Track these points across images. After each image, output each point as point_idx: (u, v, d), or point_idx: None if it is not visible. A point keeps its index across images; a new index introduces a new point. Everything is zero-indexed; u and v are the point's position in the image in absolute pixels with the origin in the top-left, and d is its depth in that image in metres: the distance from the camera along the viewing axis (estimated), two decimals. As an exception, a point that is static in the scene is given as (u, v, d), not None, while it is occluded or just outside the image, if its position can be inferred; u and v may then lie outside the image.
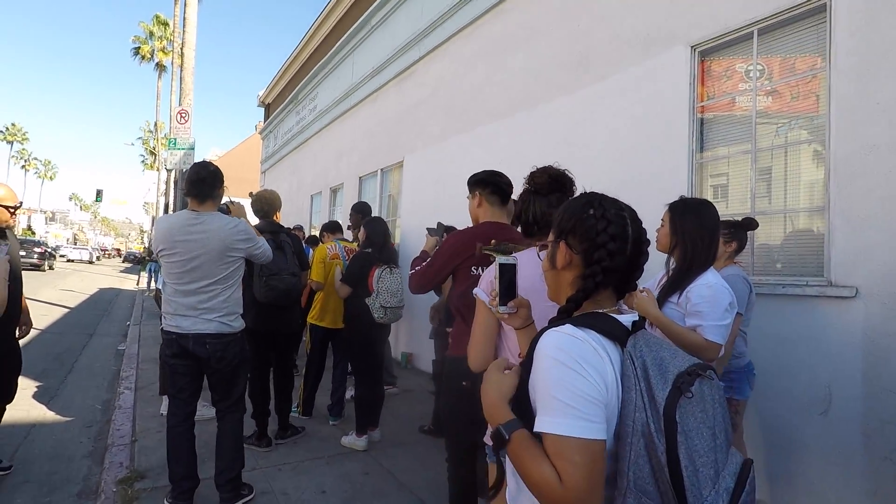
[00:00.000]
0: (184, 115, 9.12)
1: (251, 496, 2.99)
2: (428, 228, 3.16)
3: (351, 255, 4.25)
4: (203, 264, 2.67)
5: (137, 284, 17.96)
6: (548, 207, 1.73)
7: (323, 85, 10.48)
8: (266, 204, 3.89)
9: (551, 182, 1.75)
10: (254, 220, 3.87)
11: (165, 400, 4.38)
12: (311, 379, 4.34)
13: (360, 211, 5.19)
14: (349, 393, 4.72)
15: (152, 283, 14.06)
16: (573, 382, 0.90)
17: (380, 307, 3.77)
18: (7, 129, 60.53)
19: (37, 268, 23.02)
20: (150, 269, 14.77)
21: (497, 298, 1.33)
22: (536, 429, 0.92)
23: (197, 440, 3.74)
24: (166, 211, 18.01)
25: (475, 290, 1.66)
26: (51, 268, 27.09)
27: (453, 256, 2.27)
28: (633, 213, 1.09)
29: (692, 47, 3.46)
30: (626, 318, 1.03)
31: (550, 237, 1.16)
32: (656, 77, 3.66)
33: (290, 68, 13.13)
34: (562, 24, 4.64)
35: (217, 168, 2.81)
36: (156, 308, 10.93)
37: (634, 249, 1.05)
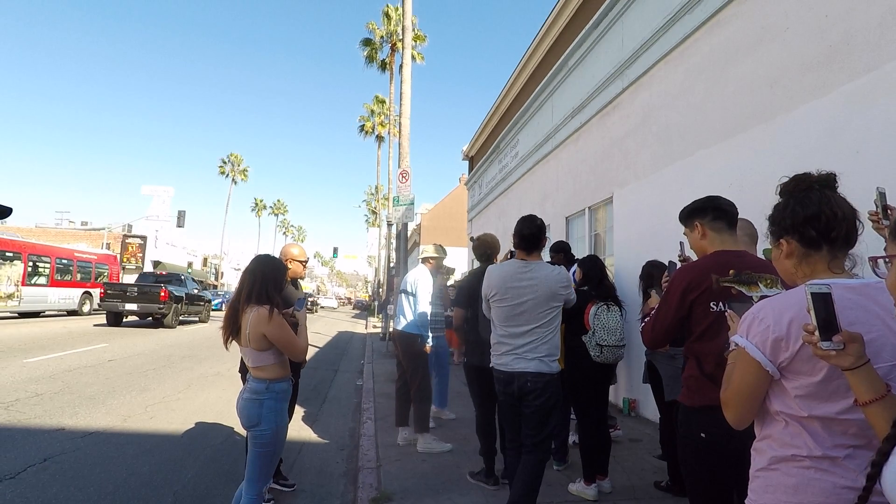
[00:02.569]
0: (405, 175, 10.35)
1: None
2: (654, 289, 2.92)
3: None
4: (530, 309, 2.92)
5: (366, 328, 20.50)
6: (852, 209, 1.33)
7: (523, 132, 10.89)
8: (488, 247, 4.11)
9: (832, 181, 1.37)
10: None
11: (401, 431, 4.79)
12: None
13: (562, 250, 5.09)
14: (572, 437, 4.54)
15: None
16: None
17: (595, 345, 3.61)
18: (275, 204, 76.98)
19: (310, 312, 30.47)
20: (385, 314, 16.31)
21: (816, 333, 1.07)
22: None
23: (428, 470, 3.97)
24: (388, 262, 20.43)
25: (734, 338, 1.36)
26: (315, 312, 36.41)
27: (686, 292, 2.01)
28: None
29: None
30: None
31: None
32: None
33: (491, 121, 14.02)
34: (800, 18, 4.02)
35: (542, 222, 3.11)
36: (384, 349, 12.30)
37: None
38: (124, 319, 16.44)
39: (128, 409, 5.78)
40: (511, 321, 2.94)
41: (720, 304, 1.96)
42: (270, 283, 2.57)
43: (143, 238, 39.94)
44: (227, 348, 2.69)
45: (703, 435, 1.92)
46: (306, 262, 3.74)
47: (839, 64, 3.67)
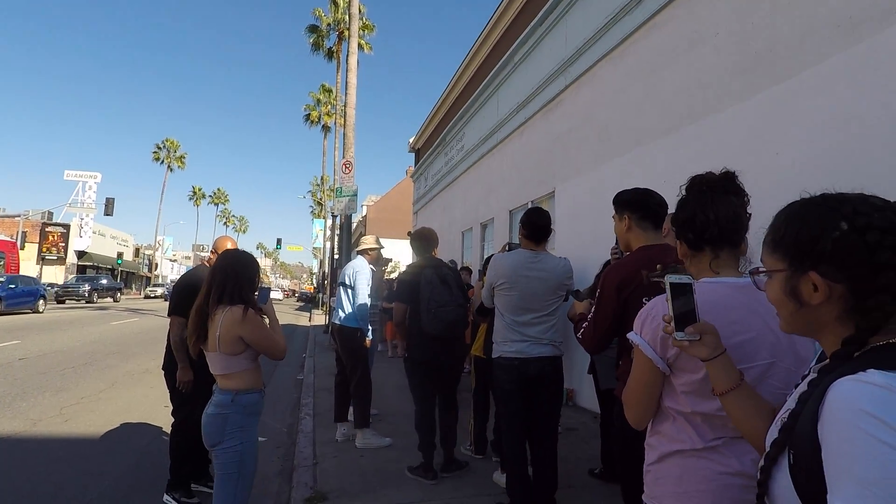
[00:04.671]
0: (348, 165, 10.13)
1: None
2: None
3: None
4: (539, 298, 2.99)
5: (310, 321, 20.05)
6: (731, 211, 1.36)
7: (469, 125, 10.91)
8: (426, 240, 4.05)
9: (725, 181, 1.38)
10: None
11: (340, 427, 4.68)
12: (481, 414, 4.23)
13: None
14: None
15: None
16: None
17: None
18: (214, 193, 73.63)
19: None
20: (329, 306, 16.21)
21: (672, 324, 1.10)
22: None
23: (366, 466, 3.91)
24: (332, 254, 20.02)
25: (629, 335, 1.37)
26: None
27: (619, 290, 2.03)
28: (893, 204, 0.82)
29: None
30: None
31: (776, 265, 0.90)
32: (872, 62, 3.08)
33: (438, 113, 13.96)
34: (728, 26, 4.21)
35: (549, 215, 3.15)
36: (327, 342, 12.04)
37: None
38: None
39: (39, 412, 5.33)
40: (519, 310, 3.00)
41: (649, 299, 2.00)
42: (245, 283, 2.33)
43: (66, 227, 37.17)
44: (194, 356, 2.47)
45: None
46: None
47: (763, 69, 3.86)
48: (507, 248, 3.47)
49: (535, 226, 3.09)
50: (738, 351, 1.21)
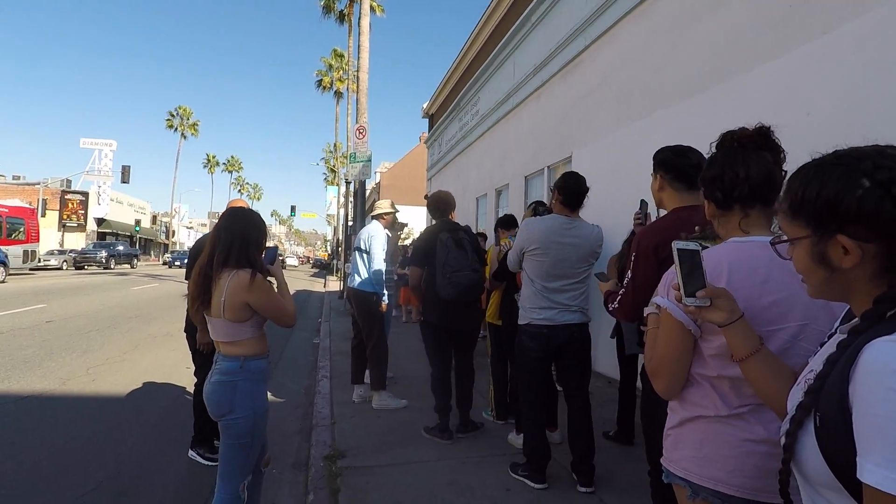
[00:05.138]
0: (361, 131, 10.02)
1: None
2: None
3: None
4: (571, 265, 2.96)
5: (324, 287, 20.27)
6: (763, 168, 1.28)
7: (484, 89, 10.67)
8: (443, 203, 4.02)
9: (759, 137, 1.31)
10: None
11: (357, 388, 4.77)
12: (500, 381, 4.19)
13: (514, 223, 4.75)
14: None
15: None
16: None
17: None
18: (228, 160, 73.71)
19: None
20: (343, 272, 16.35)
21: (681, 290, 1.07)
22: (861, 476, 0.67)
23: (383, 427, 3.98)
24: (346, 221, 20.07)
25: (655, 299, 1.31)
26: (284, 268, 37.65)
27: (656, 251, 1.96)
28: None
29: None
30: None
31: (799, 231, 0.86)
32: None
33: (452, 78, 13.67)
34: (761, -22, 4.00)
35: (585, 180, 3.08)
36: (341, 307, 12.20)
37: None
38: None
39: (67, 372, 5.51)
40: (550, 276, 2.97)
41: None
42: (252, 244, 2.16)
43: (85, 194, 37.63)
44: (197, 323, 2.39)
45: None
46: None
47: (797, 24, 3.67)
48: (533, 212, 3.37)
49: (572, 191, 3.00)
50: (769, 312, 1.18)
